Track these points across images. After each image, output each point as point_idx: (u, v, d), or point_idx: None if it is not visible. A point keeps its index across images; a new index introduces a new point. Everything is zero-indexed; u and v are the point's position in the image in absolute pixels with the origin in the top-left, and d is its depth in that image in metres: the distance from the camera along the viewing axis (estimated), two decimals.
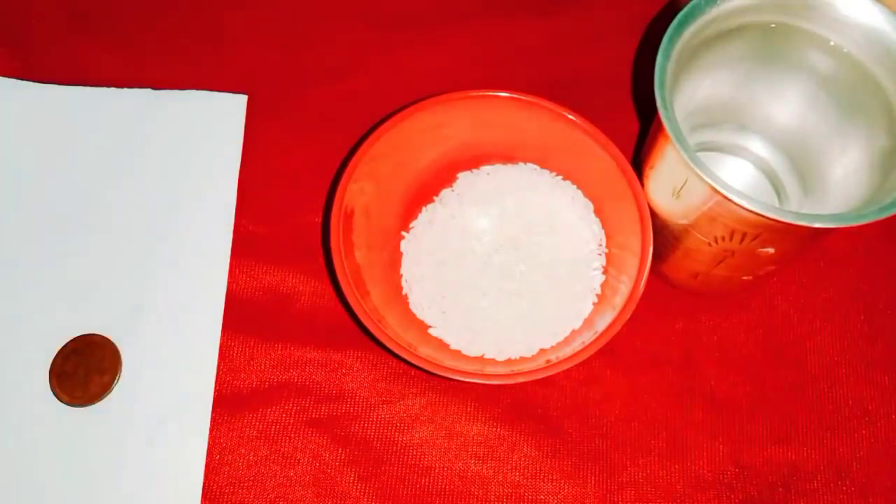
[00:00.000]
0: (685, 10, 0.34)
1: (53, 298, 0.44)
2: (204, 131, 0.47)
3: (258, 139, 0.47)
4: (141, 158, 0.47)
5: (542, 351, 0.41)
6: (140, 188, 0.46)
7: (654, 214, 0.39)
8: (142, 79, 0.49)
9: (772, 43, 0.37)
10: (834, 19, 0.35)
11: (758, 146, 0.43)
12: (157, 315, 0.43)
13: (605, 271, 0.42)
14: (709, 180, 0.32)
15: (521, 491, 0.40)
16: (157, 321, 0.43)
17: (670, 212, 0.38)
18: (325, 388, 0.42)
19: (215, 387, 0.42)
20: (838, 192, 0.38)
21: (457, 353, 0.41)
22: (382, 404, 0.42)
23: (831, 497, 0.40)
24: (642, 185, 0.40)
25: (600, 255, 0.43)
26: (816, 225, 0.31)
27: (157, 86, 0.48)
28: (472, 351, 0.41)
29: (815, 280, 0.44)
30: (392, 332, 0.39)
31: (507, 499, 0.40)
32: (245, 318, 0.43)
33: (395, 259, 0.43)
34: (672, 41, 0.34)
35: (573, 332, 0.41)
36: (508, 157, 0.45)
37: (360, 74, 0.49)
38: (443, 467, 0.41)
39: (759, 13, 0.36)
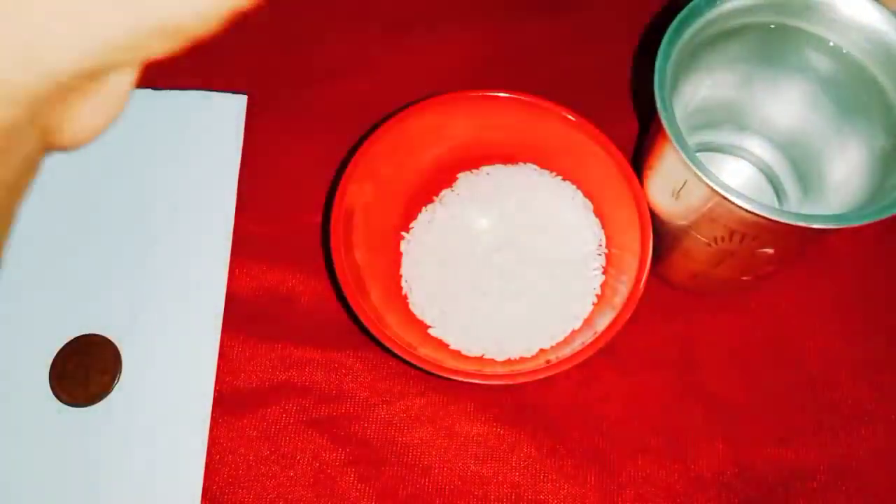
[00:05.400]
0: (685, 10, 0.34)
1: (53, 298, 0.44)
2: (204, 131, 0.47)
3: (258, 139, 0.47)
4: (140, 158, 0.47)
5: (542, 351, 0.41)
6: (140, 188, 0.46)
7: (653, 215, 0.39)
8: (142, 79, 0.48)
9: (771, 44, 0.37)
10: (833, 20, 0.35)
11: (757, 147, 0.43)
12: (157, 315, 0.43)
13: (605, 272, 0.42)
14: (708, 181, 0.32)
15: (521, 491, 0.40)
16: (157, 321, 0.43)
17: (670, 212, 0.38)
18: (325, 388, 0.42)
19: (215, 387, 0.42)
20: (838, 192, 0.38)
21: (457, 354, 0.41)
22: (382, 404, 0.42)
23: (831, 497, 0.40)
24: (642, 185, 0.40)
25: (600, 255, 0.43)
26: (815, 225, 0.31)
27: (157, 86, 0.48)
28: (472, 351, 0.41)
29: (815, 280, 0.44)
30: (392, 332, 0.39)
31: (507, 499, 0.40)
32: (245, 318, 0.43)
33: (395, 259, 0.43)
34: (672, 42, 0.34)
35: (573, 332, 0.41)
36: (508, 157, 0.45)
37: (360, 74, 0.49)
38: (443, 467, 0.41)
39: (759, 14, 0.36)
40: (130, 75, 0.17)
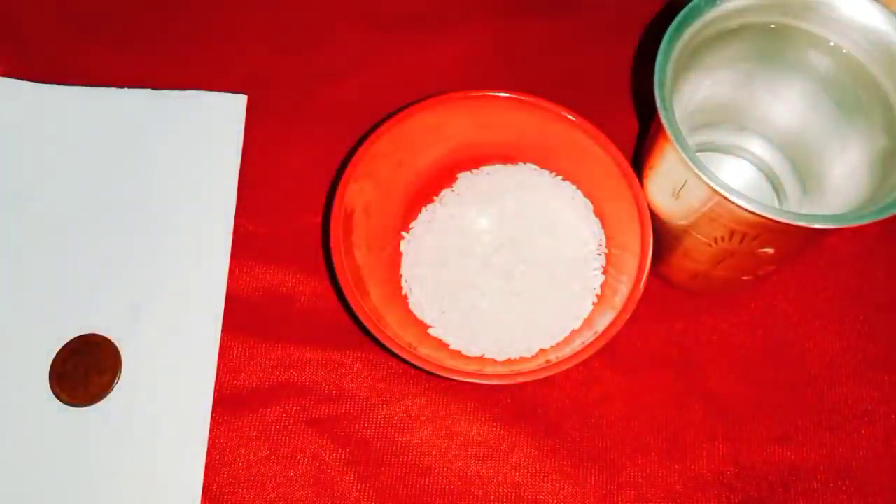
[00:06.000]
0: (685, 10, 0.34)
1: (53, 298, 0.44)
2: (204, 131, 0.47)
3: (258, 139, 0.47)
4: (141, 158, 0.47)
5: (542, 351, 0.41)
6: (140, 188, 0.46)
7: (653, 215, 0.39)
8: (142, 79, 0.49)
9: (771, 43, 0.37)
10: (833, 19, 0.35)
11: (757, 146, 0.43)
12: (157, 315, 0.43)
13: (605, 271, 0.42)
14: (708, 181, 0.32)
15: (521, 491, 0.40)
16: (157, 321, 0.43)
17: (670, 212, 0.38)
18: (325, 388, 0.42)
19: (215, 387, 0.42)
20: (838, 192, 0.38)
21: (456, 353, 0.41)
22: (382, 404, 0.42)
23: (831, 497, 0.40)
24: (642, 185, 0.40)
25: (600, 255, 0.43)
26: (815, 225, 0.31)
27: (157, 86, 0.48)
28: (471, 351, 0.41)
29: (815, 280, 0.44)
30: (392, 332, 0.39)
31: (507, 499, 0.40)
32: (245, 318, 0.43)
33: (395, 259, 0.43)
34: (672, 41, 0.34)
35: (573, 332, 0.41)
36: (508, 157, 0.45)
37: (360, 74, 0.49)
38: (443, 467, 0.41)
39: (759, 14, 0.36)
40: None
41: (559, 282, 0.42)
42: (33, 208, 0.46)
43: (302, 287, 0.44)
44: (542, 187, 0.44)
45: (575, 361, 0.37)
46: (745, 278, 0.40)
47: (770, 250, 0.35)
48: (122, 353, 0.42)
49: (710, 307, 0.44)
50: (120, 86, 0.48)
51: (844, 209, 0.35)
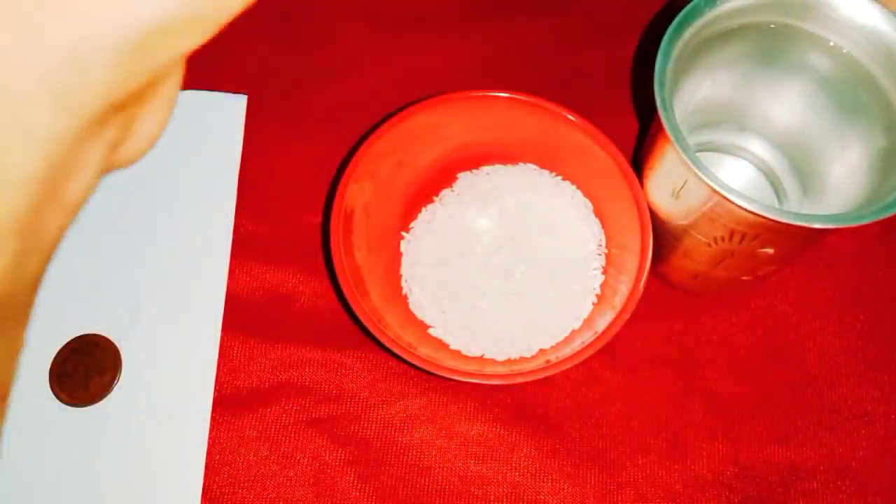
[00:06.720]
0: (685, 10, 0.34)
1: (53, 298, 0.44)
2: (204, 131, 0.47)
3: (258, 139, 0.47)
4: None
5: (542, 351, 0.41)
6: (140, 188, 0.46)
7: (653, 215, 0.39)
8: None
9: (771, 43, 0.37)
10: (833, 19, 0.35)
11: (757, 146, 0.43)
12: (157, 315, 0.43)
13: (605, 271, 0.42)
14: (708, 181, 0.32)
15: (521, 491, 0.40)
16: (157, 321, 0.43)
17: (670, 212, 0.38)
18: (325, 388, 0.42)
19: (215, 387, 0.42)
20: (838, 192, 0.38)
21: (456, 354, 0.41)
22: (382, 404, 0.42)
23: (830, 497, 0.40)
24: (642, 185, 0.40)
25: (600, 255, 0.43)
26: (815, 225, 0.31)
27: None
28: (471, 351, 0.41)
29: (815, 280, 0.44)
30: (392, 332, 0.39)
31: (507, 499, 0.40)
32: (245, 318, 0.43)
33: (395, 259, 0.43)
34: (672, 42, 0.34)
35: (573, 332, 0.41)
36: (508, 157, 0.45)
37: (360, 74, 0.49)
38: (443, 467, 0.41)
39: (759, 14, 0.36)
40: (177, 76, 0.17)
41: (559, 282, 0.42)
42: None
43: (302, 287, 0.44)
44: (542, 187, 0.44)
45: (575, 361, 0.37)
46: (745, 278, 0.40)
47: (770, 250, 0.35)
48: (122, 353, 0.42)
49: (710, 307, 0.44)
50: None
51: (844, 209, 0.35)
